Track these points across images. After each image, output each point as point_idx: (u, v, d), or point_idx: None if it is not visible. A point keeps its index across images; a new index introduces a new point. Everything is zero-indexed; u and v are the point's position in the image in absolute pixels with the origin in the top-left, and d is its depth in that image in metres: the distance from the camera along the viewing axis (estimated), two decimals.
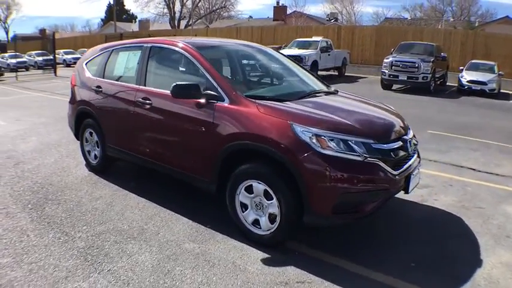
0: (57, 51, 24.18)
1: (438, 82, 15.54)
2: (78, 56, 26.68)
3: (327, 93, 3.90)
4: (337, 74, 19.77)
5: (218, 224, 3.47)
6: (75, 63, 18.08)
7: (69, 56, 29.74)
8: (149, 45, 4.07)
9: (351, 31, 23.90)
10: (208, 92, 3.29)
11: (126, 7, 59.02)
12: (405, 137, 3.26)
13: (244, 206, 3.17)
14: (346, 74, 19.95)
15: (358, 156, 2.79)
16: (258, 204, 3.08)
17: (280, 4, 45.82)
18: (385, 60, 14.22)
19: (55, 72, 20.76)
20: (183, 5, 43.02)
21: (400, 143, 3.13)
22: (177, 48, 3.75)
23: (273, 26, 29.79)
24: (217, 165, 3.23)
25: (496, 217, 3.89)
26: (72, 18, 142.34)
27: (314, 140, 2.76)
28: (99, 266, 2.87)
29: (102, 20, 59.20)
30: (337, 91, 4.13)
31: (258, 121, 2.99)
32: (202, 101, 3.30)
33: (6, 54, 28.54)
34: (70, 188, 4.39)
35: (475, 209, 4.07)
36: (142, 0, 47.79)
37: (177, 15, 44.09)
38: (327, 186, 2.72)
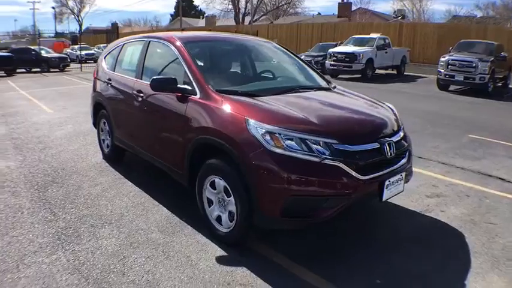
0: None
1: (499, 84, 14.09)
2: None
3: (318, 89, 3.73)
4: (395, 72, 18.84)
5: (194, 218, 3.48)
6: None
7: None
8: (148, 39, 4.20)
9: (412, 28, 22.58)
10: (184, 85, 3.32)
11: (194, 3, 61.34)
12: (386, 139, 2.98)
13: (210, 201, 3.15)
14: (405, 73, 18.94)
15: (315, 157, 2.62)
16: (221, 201, 3.04)
17: (345, 0, 44.54)
18: (442, 59, 13.15)
19: None
20: (247, 1, 43.60)
21: (375, 145, 2.88)
22: (166, 42, 3.83)
23: (333, 23, 29.06)
24: (188, 158, 3.24)
25: (505, 236, 3.41)
26: (145, 13, 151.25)
27: (267, 137, 2.64)
28: (66, 245, 3.05)
29: (171, 15, 62.15)
30: (335, 87, 3.93)
31: (218, 115, 2.96)
32: (179, 94, 3.34)
33: (76, 46, 31.08)
34: (78, 173, 4.69)
35: (483, 225, 3.62)
36: None
37: (242, 11, 44.79)
38: (274, 187, 2.59)
